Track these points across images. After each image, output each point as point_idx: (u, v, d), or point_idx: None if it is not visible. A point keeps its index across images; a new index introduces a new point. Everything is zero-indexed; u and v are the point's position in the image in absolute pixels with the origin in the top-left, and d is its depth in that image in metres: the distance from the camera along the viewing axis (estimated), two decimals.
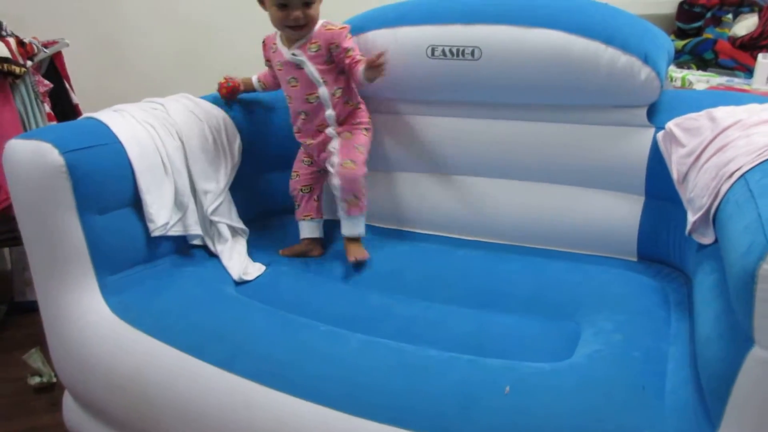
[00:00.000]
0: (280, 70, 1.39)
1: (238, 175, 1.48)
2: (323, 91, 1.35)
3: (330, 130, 1.40)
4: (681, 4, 2.60)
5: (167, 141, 1.32)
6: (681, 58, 2.35)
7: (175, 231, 1.30)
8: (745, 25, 2.36)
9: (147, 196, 1.24)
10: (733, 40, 2.35)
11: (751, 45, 2.34)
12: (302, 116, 1.40)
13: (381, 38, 1.40)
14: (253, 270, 1.32)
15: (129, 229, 1.24)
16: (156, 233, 1.25)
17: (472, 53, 1.30)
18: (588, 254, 1.33)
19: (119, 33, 2.30)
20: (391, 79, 1.38)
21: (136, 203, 1.25)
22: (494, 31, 1.28)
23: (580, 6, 1.28)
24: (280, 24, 1.31)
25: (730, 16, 2.51)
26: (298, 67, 1.35)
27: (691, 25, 2.53)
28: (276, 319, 1.09)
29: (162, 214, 1.26)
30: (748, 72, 2.14)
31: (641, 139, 1.24)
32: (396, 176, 1.53)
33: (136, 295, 1.18)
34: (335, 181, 1.35)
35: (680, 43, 2.38)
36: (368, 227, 1.52)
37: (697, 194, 1.00)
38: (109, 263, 1.20)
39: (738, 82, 2.08)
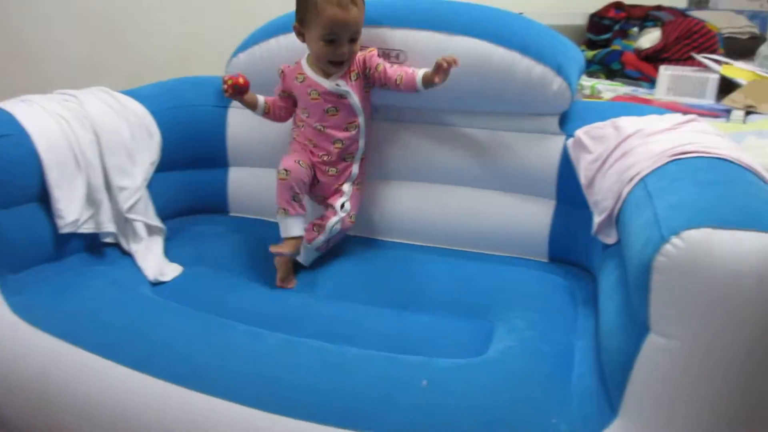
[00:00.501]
0: (315, 99, 1.30)
1: (157, 172, 1.44)
2: (362, 120, 1.32)
3: (355, 168, 1.36)
4: (591, 17, 2.75)
5: (80, 134, 1.26)
6: (591, 68, 2.48)
7: (86, 228, 1.25)
8: (649, 38, 2.53)
9: (56, 191, 1.19)
10: (638, 52, 2.50)
11: (654, 57, 2.50)
12: (338, 145, 1.32)
13: None
14: (170, 271, 1.28)
15: (35, 225, 1.18)
16: (65, 230, 1.19)
17: (398, 56, 1.32)
18: (502, 255, 1.37)
19: (24, 25, 2.17)
20: None
21: (43, 198, 1.19)
22: (419, 36, 1.31)
23: (499, 16, 1.33)
24: (324, 59, 1.24)
25: (636, 29, 2.68)
26: (341, 96, 1.29)
27: (601, 36, 2.68)
28: (193, 319, 1.07)
29: (72, 211, 1.20)
30: (651, 83, 2.29)
31: (553, 146, 1.30)
32: None
33: (41, 295, 1.12)
34: (336, 226, 1.32)
35: (590, 54, 2.52)
36: None
37: (602, 197, 1.06)
38: (10, 261, 1.14)
39: (642, 91, 2.22)
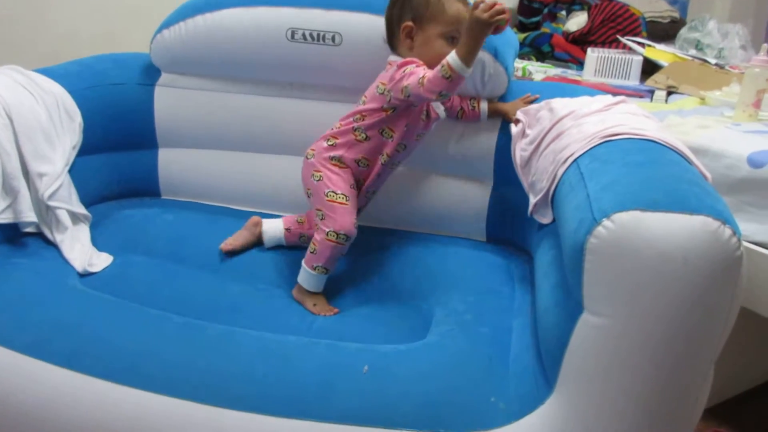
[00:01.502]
0: (423, 120, 1.20)
1: (79, 156, 1.36)
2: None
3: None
4: (521, 0, 2.80)
5: None
6: (522, 50, 2.53)
7: (4, 218, 1.17)
8: (576, 21, 2.60)
9: None
10: (567, 35, 2.57)
11: (582, 40, 2.58)
12: (402, 149, 1.22)
13: (236, 18, 1.35)
14: (99, 261, 1.22)
15: None
16: None
17: (333, 38, 1.30)
18: (443, 236, 1.39)
19: None
20: (250, 60, 1.34)
21: None
22: (354, 18, 1.29)
23: None
24: (438, 60, 1.05)
25: (563, 12, 2.75)
26: (436, 119, 1.24)
27: (531, 19, 2.74)
28: (126, 311, 1.03)
29: None
30: (580, 65, 2.36)
31: (490, 129, 1.32)
32: (254, 158, 1.50)
33: None
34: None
35: (522, 36, 2.57)
36: (229, 210, 1.48)
37: (538, 178, 1.09)
38: None
39: (571, 73, 2.29)
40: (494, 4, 0.98)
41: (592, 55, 2.21)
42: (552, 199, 1.03)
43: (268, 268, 1.26)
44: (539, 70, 2.25)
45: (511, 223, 1.33)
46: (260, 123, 1.45)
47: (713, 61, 2.27)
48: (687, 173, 0.85)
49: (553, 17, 2.77)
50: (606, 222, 0.75)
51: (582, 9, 2.70)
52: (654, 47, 2.31)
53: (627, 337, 0.76)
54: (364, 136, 1.18)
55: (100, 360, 0.92)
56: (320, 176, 1.18)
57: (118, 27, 2.15)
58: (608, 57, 2.19)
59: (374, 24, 1.27)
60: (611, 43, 2.48)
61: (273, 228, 1.30)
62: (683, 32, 2.59)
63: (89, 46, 1.84)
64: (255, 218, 1.30)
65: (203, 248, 1.30)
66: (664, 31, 2.70)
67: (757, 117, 1.45)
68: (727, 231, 0.72)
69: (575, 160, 0.97)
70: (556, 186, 1.00)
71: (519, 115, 1.25)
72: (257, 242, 1.31)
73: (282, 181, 1.46)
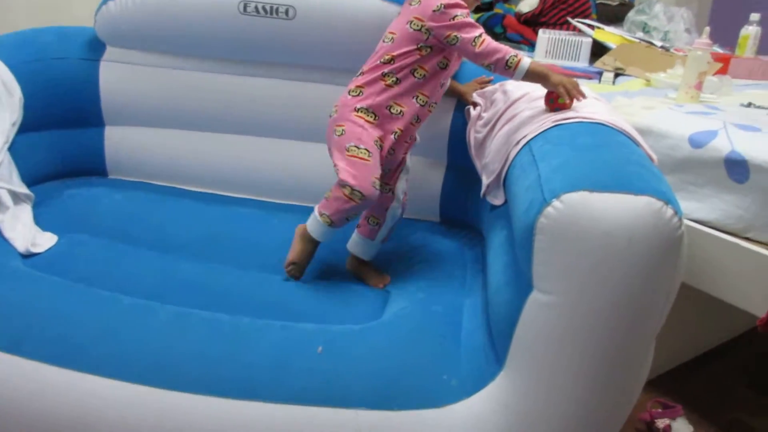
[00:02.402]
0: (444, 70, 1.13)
1: (20, 133, 1.30)
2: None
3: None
4: None
5: None
6: None
7: None
8: (529, 2, 2.62)
9: None
10: (519, 16, 2.59)
11: (533, 21, 2.60)
12: (431, 108, 1.15)
13: None
14: (43, 241, 1.18)
15: None
16: None
17: (287, 12, 1.28)
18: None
19: None
20: (201, 35, 1.30)
21: None
22: None
23: None
24: None
25: None
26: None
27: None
28: (72, 293, 1.00)
29: None
30: (531, 46, 2.38)
31: (445, 109, 1.32)
32: (204, 137, 1.47)
33: None
34: (397, 212, 1.20)
35: (475, 17, 2.57)
36: (178, 190, 1.45)
37: (491, 160, 1.10)
38: None
39: (523, 54, 2.31)
40: (576, 83, 1.03)
41: (543, 36, 2.24)
42: (504, 181, 1.04)
43: (220, 246, 1.24)
44: None
45: (464, 204, 1.34)
46: (211, 101, 1.42)
47: (659, 43, 2.33)
48: (633, 155, 0.88)
49: None
50: (555, 202, 0.77)
51: None
52: (603, 29, 2.36)
53: (574, 314, 0.78)
54: (395, 80, 1.08)
55: (46, 344, 0.90)
56: (342, 130, 1.08)
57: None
58: (559, 39, 2.22)
59: None
60: (562, 24, 2.52)
61: (352, 239, 1.20)
62: (631, 15, 2.64)
63: (26, 17, 1.76)
64: (300, 227, 1.15)
65: (153, 228, 1.27)
66: (614, 14, 2.75)
67: (698, 99, 1.50)
68: (669, 211, 0.75)
69: (528, 143, 0.99)
70: (509, 168, 1.02)
71: (476, 98, 1.26)
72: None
73: (234, 160, 1.44)
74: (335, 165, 1.09)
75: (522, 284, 0.84)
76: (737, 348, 1.74)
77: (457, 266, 1.18)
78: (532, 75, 1.04)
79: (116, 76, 1.44)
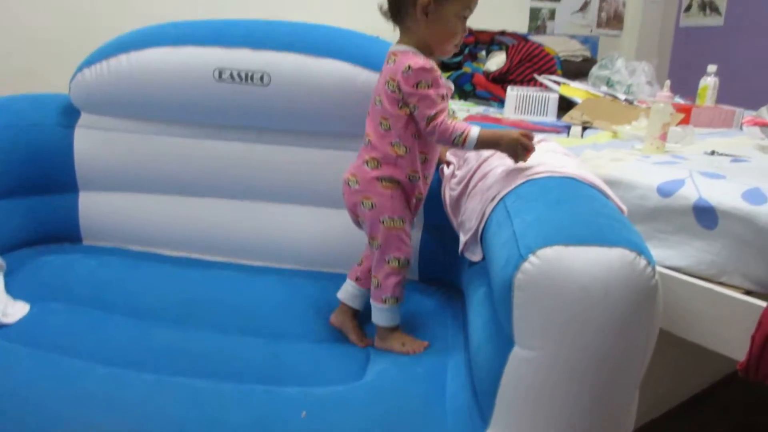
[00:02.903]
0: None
1: None
2: None
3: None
4: None
5: None
6: None
7: None
8: (496, 61, 2.72)
9: None
10: (487, 74, 2.68)
11: (501, 79, 2.69)
12: (428, 156, 1.14)
13: (162, 57, 1.34)
14: (15, 310, 1.15)
15: None
16: None
17: (261, 78, 1.30)
18: None
19: None
20: (176, 101, 1.32)
21: None
22: (283, 58, 1.30)
23: (361, 39, 1.36)
24: (453, 41, 1.07)
25: (483, 53, 2.86)
26: (450, 94, 1.14)
27: (453, 59, 2.83)
28: (44, 364, 0.97)
29: None
30: (501, 102, 2.46)
31: None
32: (180, 201, 1.47)
33: None
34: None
35: (446, 75, 2.65)
36: (155, 255, 1.44)
37: (468, 217, 1.12)
38: None
39: (493, 111, 2.38)
40: (528, 133, 1.03)
41: (512, 93, 2.31)
42: (481, 237, 1.06)
43: (198, 311, 1.22)
44: (462, 109, 2.33)
45: (443, 262, 1.35)
46: (186, 165, 1.43)
47: (623, 96, 2.42)
48: (604, 208, 0.90)
49: (473, 57, 2.89)
50: (532, 258, 0.78)
51: (501, 49, 2.83)
52: (569, 85, 2.44)
53: (556, 369, 0.78)
54: (404, 150, 1.09)
55: (18, 420, 0.86)
56: (371, 203, 1.09)
57: (35, 66, 2.07)
58: (527, 95, 2.29)
59: (303, 64, 1.29)
60: (529, 81, 2.61)
61: (346, 290, 1.19)
62: (594, 70, 2.75)
63: (3, 85, 1.77)
64: (332, 321, 1.17)
65: (129, 294, 1.25)
66: (578, 69, 2.86)
67: (664, 149, 1.55)
68: (643, 261, 0.76)
69: (502, 199, 1.01)
70: (485, 224, 1.03)
71: (449, 156, 1.28)
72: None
73: (211, 223, 1.44)
74: (372, 238, 1.11)
75: (503, 340, 0.84)
76: (719, 392, 1.74)
77: (438, 325, 1.18)
78: (483, 146, 1.04)
79: (91, 142, 1.45)
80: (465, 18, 1.08)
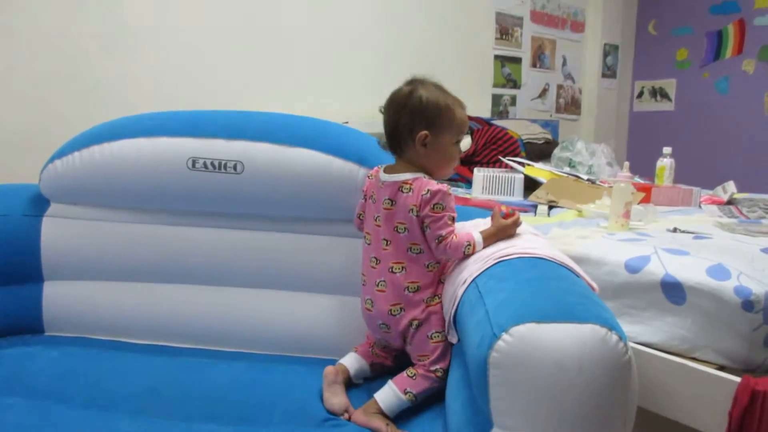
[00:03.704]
0: None
1: None
2: None
3: None
4: None
5: None
6: None
7: None
8: (462, 144, 2.80)
9: None
10: None
11: (468, 161, 2.78)
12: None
13: (136, 147, 1.35)
14: None
15: None
16: None
17: (235, 167, 1.32)
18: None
19: None
20: (149, 190, 1.33)
21: None
22: (256, 147, 1.32)
23: (334, 128, 1.41)
24: (453, 161, 1.22)
25: None
26: None
27: None
28: None
29: None
30: (468, 183, 2.52)
31: None
32: (149, 288, 1.44)
33: None
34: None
35: None
36: (120, 343, 1.39)
37: (442, 301, 1.13)
38: None
39: (461, 191, 2.44)
40: (516, 217, 1.17)
41: (479, 174, 2.38)
42: (455, 320, 1.06)
43: (163, 399, 1.17)
44: None
45: None
46: (156, 251, 1.42)
47: (585, 176, 2.50)
48: (574, 286, 0.92)
49: None
50: (505, 336, 0.79)
51: (466, 133, 2.92)
52: (533, 166, 2.53)
53: None
54: (435, 265, 1.17)
55: None
56: (419, 323, 1.14)
57: (1, 157, 2.07)
58: (493, 176, 2.36)
59: (275, 153, 1.32)
60: (495, 162, 2.69)
61: (396, 398, 1.13)
62: (557, 152, 2.86)
63: None
64: (329, 369, 1.17)
65: (90, 384, 1.20)
66: (540, 151, 2.97)
67: (628, 226, 1.60)
68: (614, 337, 0.77)
69: (473, 280, 1.02)
70: (458, 306, 1.04)
71: None
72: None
73: (178, 310, 1.41)
74: (420, 355, 1.14)
75: (481, 422, 0.83)
76: None
77: (414, 413, 1.14)
78: (489, 245, 1.14)
79: (59, 231, 1.43)
80: (459, 142, 1.20)
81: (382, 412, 1.09)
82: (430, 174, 1.17)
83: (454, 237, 1.12)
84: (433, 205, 1.11)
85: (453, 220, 1.14)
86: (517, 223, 1.17)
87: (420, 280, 1.15)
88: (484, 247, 1.13)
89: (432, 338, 1.13)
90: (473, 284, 1.01)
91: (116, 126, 1.40)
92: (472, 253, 1.12)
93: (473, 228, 1.19)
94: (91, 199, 1.41)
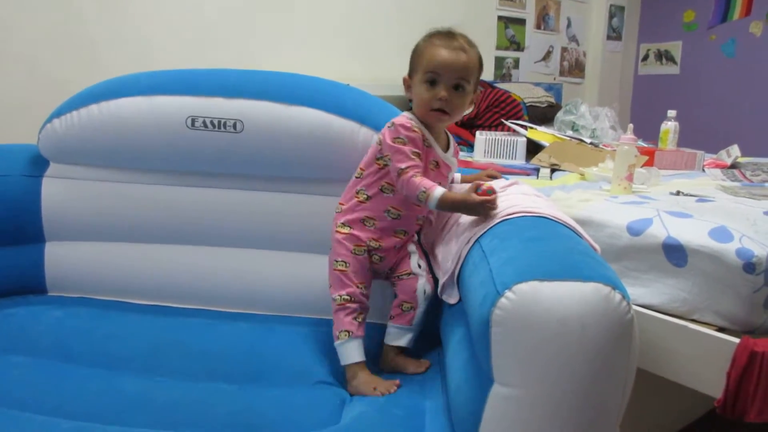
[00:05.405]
0: (432, 170, 1.17)
1: None
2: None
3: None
4: None
5: None
6: None
7: None
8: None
9: None
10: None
11: (470, 124, 2.75)
12: (420, 221, 1.24)
13: (134, 106, 1.33)
14: None
15: None
16: None
17: (234, 126, 1.31)
18: None
19: None
20: (148, 149, 1.31)
21: None
22: (256, 106, 1.31)
23: (334, 87, 1.38)
24: (426, 106, 1.12)
25: None
26: (448, 171, 1.22)
27: None
28: (5, 421, 0.92)
29: None
30: (470, 146, 2.50)
31: None
32: (150, 248, 1.44)
33: None
34: (427, 289, 1.20)
35: None
36: (123, 304, 1.40)
37: (443, 259, 1.13)
38: None
39: (462, 155, 2.42)
40: (489, 198, 1.05)
41: (481, 137, 2.36)
42: (458, 279, 1.06)
43: (167, 358, 1.18)
44: None
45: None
46: (157, 212, 1.41)
47: (588, 140, 2.48)
48: (578, 245, 0.92)
49: None
50: (508, 293, 0.79)
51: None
52: (535, 129, 2.51)
53: (535, 405, 0.77)
54: (365, 197, 1.18)
55: None
56: (331, 248, 1.19)
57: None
58: (495, 139, 2.34)
59: (275, 111, 1.30)
60: (497, 126, 2.67)
61: (340, 348, 1.15)
62: (560, 115, 2.83)
63: None
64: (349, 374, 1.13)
65: (95, 344, 1.21)
66: (543, 115, 2.94)
67: (631, 189, 1.59)
68: (617, 296, 0.77)
69: (477, 240, 1.02)
70: (461, 266, 1.03)
71: None
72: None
73: (179, 270, 1.41)
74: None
75: (482, 379, 0.83)
76: (701, 430, 1.74)
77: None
78: (445, 207, 1.08)
79: (59, 192, 1.42)
80: (431, 82, 1.12)
81: (352, 366, 1.11)
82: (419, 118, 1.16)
83: (417, 176, 1.08)
84: (395, 138, 1.11)
85: (418, 156, 1.11)
86: (486, 205, 1.04)
87: (345, 203, 1.20)
88: (437, 209, 1.08)
89: (333, 265, 1.17)
90: (477, 244, 1.00)
91: (115, 84, 1.38)
92: (426, 202, 1.07)
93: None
94: (89, 159, 1.40)
